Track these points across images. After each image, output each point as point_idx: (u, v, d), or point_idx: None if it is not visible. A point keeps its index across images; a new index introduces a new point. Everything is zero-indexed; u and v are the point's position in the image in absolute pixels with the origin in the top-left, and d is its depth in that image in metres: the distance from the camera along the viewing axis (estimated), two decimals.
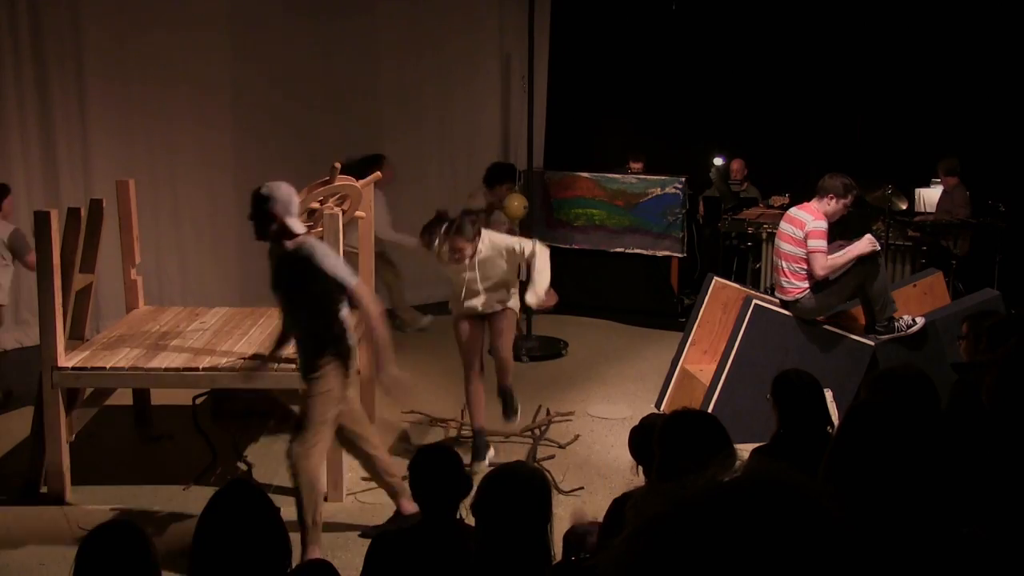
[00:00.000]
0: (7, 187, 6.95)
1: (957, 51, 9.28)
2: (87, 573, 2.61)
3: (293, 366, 5.55)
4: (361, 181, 5.93)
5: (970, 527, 2.27)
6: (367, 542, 3.32)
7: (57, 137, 8.24)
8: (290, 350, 5.79)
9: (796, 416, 3.94)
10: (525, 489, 2.90)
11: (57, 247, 5.33)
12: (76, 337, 5.92)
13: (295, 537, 2.86)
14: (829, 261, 6.12)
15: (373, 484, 5.71)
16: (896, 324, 6.13)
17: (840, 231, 6.88)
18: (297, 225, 4.65)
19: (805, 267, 6.17)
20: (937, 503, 2.03)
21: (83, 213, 5.90)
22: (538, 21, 8.70)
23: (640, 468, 3.76)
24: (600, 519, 3.66)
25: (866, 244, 6.15)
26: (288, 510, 3.09)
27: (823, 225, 6.15)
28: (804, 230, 6.15)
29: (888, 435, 2.13)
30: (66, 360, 5.43)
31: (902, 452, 2.08)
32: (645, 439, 3.69)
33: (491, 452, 6.01)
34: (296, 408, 5.73)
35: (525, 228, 9.34)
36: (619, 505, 3.59)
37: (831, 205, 6.20)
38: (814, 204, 6.25)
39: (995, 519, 2.50)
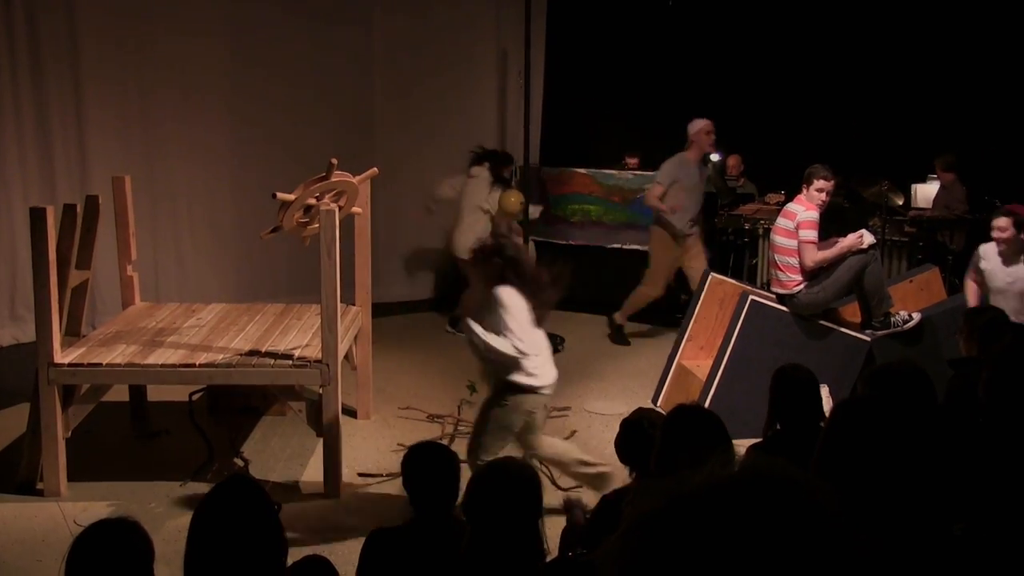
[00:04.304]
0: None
1: (953, 47, 9.28)
2: (78, 569, 2.60)
3: (289, 362, 5.55)
4: (358, 177, 5.92)
5: (962, 524, 2.27)
6: (363, 538, 3.32)
7: (53, 134, 8.22)
8: (285, 345, 5.79)
9: (793, 411, 3.94)
10: (515, 485, 2.90)
11: (53, 244, 5.32)
12: (72, 334, 5.92)
13: (292, 534, 2.85)
14: (819, 254, 6.15)
15: (371, 480, 5.73)
16: (892, 320, 6.14)
17: (837, 227, 6.89)
18: None
19: (798, 259, 6.20)
20: (927, 498, 2.04)
21: (79, 210, 5.89)
22: (534, 17, 8.69)
23: (628, 468, 3.73)
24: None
25: (854, 239, 6.17)
26: (285, 506, 3.07)
27: (813, 216, 6.18)
28: (795, 221, 6.18)
29: (873, 430, 2.14)
30: (62, 356, 5.42)
31: (888, 447, 2.09)
32: (632, 436, 3.68)
33: None
34: (293, 404, 5.73)
35: (523, 224, 9.35)
36: (607, 503, 3.59)
37: (808, 192, 6.25)
38: (803, 196, 6.30)
39: (990, 514, 2.51)
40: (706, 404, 5.97)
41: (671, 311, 9.21)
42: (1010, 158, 8.96)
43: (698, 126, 8.14)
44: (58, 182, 8.19)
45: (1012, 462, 2.83)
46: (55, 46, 8.15)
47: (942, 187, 9.26)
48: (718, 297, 7.00)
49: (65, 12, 8.17)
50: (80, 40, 8.24)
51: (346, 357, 6.11)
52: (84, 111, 8.33)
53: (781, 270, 6.31)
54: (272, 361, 5.56)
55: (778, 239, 6.35)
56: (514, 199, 9.46)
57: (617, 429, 3.88)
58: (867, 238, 6.22)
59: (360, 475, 5.80)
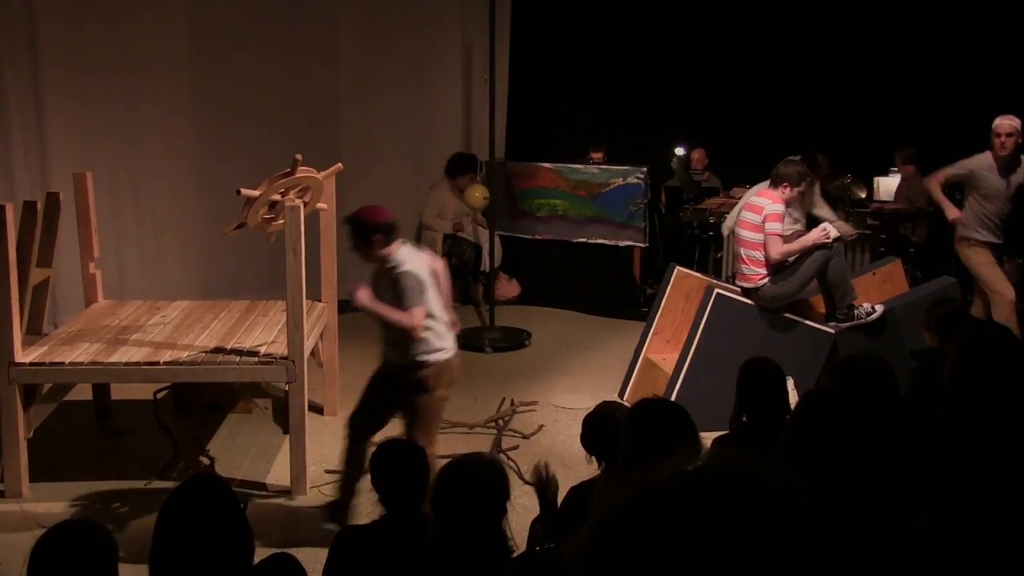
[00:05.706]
0: None
1: (915, 40, 9.37)
2: (40, 571, 2.58)
3: (255, 359, 5.52)
4: (322, 173, 5.89)
5: (925, 513, 2.30)
6: (331, 536, 3.31)
7: (12, 129, 8.08)
8: (250, 342, 5.76)
9: (760, 404, 3.97)
10: (478, 481, 2.90)
11: (13, 241, 5.25)
12: (34, 332, 5.85)
13: (258, 532, 2.83)
14: (785, 247, 6.20)
15: (337, 478, 5.70)
16: (856, 312, 6.20)
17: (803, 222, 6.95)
18: None
19: (763, 253, 6.23)
20: (891, 488, 2.06)
21: (40, 207, 5.82)
22: (499, 11, 8.67)
23: (594, 458, 3.74)
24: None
25: (818, 233, 6.23)
26: (252, 504, 3.04)
27: (780, 209, 6.22)
28: (762, 215, 6.21)
29: (837, 422, 2.16)
30: (24, 355, 5.35)
31: (851, 438, 2.11)
32: (600, 428, 3.69)
33: None
34: (259, 401, 5.70)
35: (488, 217, 9.34)
36: (576, 493, 3.59)
37: (787, 193, 6.27)
38: (771, 191, 6.32)
39: (953, 503, 2.54)
40: (672, 397, 6.00)
41: (637, 305, 9.27)
42: (970, 151, 9.05)
43: (1000, 124, 7.05)
44: (17, 179, 8.06)
45: (973, 452, 2.86)
46: (12, 38, 7.99)
47: (903, 180, 9.35)
48: (684, 290, 7.03)
49: (22, 2, 8.01)
50: (39, 31, 8.06)
51: (312, 353, 6.08)
52: (44, 106, 8.17)
53: (746, 263, 6.35)
54: (238, 358, 5.53)
55: (743, 233, 6.38)
56: (478, 194, 9.46)
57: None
58: (831, 231, 6.27)
59: (327, 472, 5.77)
